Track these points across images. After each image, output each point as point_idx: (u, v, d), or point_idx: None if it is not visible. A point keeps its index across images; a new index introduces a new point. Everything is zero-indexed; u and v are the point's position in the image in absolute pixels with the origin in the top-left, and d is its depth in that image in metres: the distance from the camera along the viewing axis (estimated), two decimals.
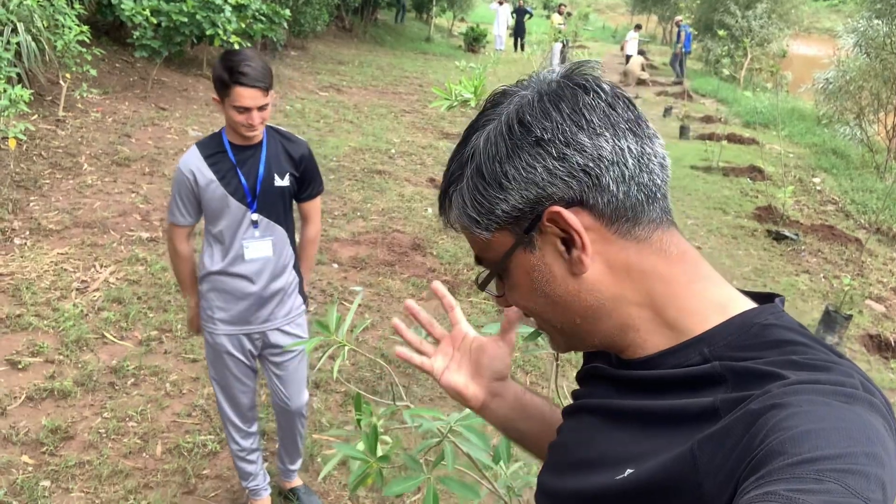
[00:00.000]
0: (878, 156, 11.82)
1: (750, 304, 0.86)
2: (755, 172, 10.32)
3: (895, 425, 0.70)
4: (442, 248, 6.18)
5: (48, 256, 4.99)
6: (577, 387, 1.05)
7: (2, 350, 3.92)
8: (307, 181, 2.83)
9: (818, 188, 10.31)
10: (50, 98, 7.86)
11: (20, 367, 3.81)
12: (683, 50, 21.27)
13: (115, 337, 4.21)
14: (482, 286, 0.91)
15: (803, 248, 7.54)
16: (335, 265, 5.61)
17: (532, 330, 1.71)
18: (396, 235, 6.35)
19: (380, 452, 1.77)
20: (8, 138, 6.12)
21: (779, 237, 7.72)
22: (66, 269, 4.85)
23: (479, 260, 0.89)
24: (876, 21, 11.34)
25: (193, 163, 2.62)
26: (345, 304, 5.01)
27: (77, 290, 4.64)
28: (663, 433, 0.78)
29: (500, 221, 0.83)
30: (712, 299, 0.85)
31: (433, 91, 11.51)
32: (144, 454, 3.38)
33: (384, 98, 12.65)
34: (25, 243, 5.12)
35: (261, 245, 2.72)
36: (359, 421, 2.07)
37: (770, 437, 0.65)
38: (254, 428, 3.00)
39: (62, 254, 5.06)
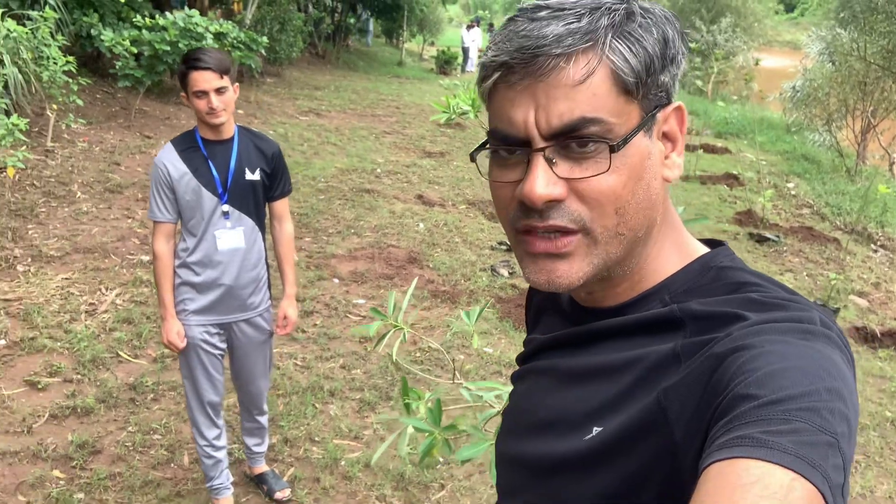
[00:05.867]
0: (847, 160, 12.16)
1: (704, 249, 0.88)
2: (731, 180, 10.58)
3: (851, 356, 0.72)
4: (438, 260, 6.30)
5: (53, 282, 5.02)
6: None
7: (20, 371, 3.96)
8: (278, 178, 3.01)
9: (793, 193, 10.58)
10: (37, 129, 7.89)
11: (40, 387, 3.85)
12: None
13: (129, 355, 4.27)
14: (620, 145, 0.76)
15: (785, 248, 7.76)
16: (336, 280, 5.70)
17: None
18: (392, 250, 6.46)
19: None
20: (2, 169, 6.18)
21: (761, 239, 7.94)
22: (72, 293, 4.89)
23: (583, 123, 0.74)
24: (839, 31, 11.72)
25: (167, 157, 2.79)
26: (351, 316, 5.10)
27: (86, 312, 4.69)
28: (624, 385, 0.78)
29: (650, 89, 0.77)
30: (682, 244, 0.88)
31: (411, 112, 11.66)
32: (172, 465, 3.44)
33: (364, 121, 12.78)
34: (29, 269, 5.15)
35: (232, 235, 2.87)
36: (407, 405, 2.18)
37: (735, 379, 0.65)
38: (220, 420, 3.10)
39: (67, 279, 5.10)
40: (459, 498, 3.40)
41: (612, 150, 0.75)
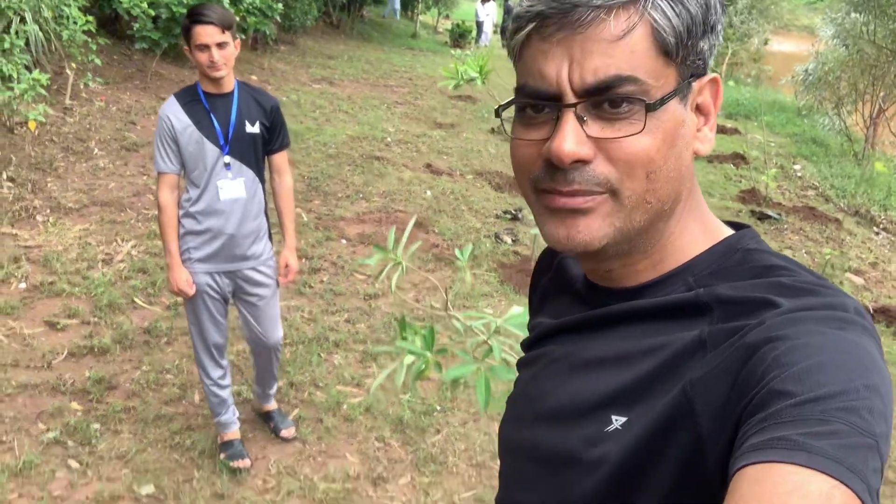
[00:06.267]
0: (856, 145, 12.21)
1: (728, 230, 0.84)
2: (738, 159, 10.68)
3: (880, 343, 0.69)
4: (444, 226, 6.46)
5: (71, 232, 5.21)
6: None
7: (39, 313, 4.16)
8: (277, 132, 3.12)
9: (799, 174, 10.68)
10: (56, 87, 8.05)
11: (58, 327, 4.05)
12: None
13: (144, 302, 4.46)
14: (652, 104, 0.72)
15: (786, 226, 7.88)
16: (343, 241, 5.87)
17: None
18: (399, 215, 6.62)
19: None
20: (23, 123, 6.35)
21: (762, 217, 8.06)
22: (89, 243, 5.08)
23: (618, 81, 0.71)
24: (854, 14, 11.72)
25: (171, 109, 2.90)
26: (357, 275, 5.28)
27: (103, 261, 4.88)
28: (643, 373, 0.75)
29: (688, 54, 0.75)
30: (707, 224, 0.85)
31: (423, 83, 11.75)
32: (184, 401, 3.64)
33: (376, 90, 12.89)
34: (48, 220, 5.34)
35: (234, 186, 2.98)
36: (404, 338, 2.35)
37: (769, 373, 0.63)
38: (224, 361, 3.28)
39: (84, 229, 5.29)
40: (454, 442, 3.58)
41: (648, 108, 0.71)
